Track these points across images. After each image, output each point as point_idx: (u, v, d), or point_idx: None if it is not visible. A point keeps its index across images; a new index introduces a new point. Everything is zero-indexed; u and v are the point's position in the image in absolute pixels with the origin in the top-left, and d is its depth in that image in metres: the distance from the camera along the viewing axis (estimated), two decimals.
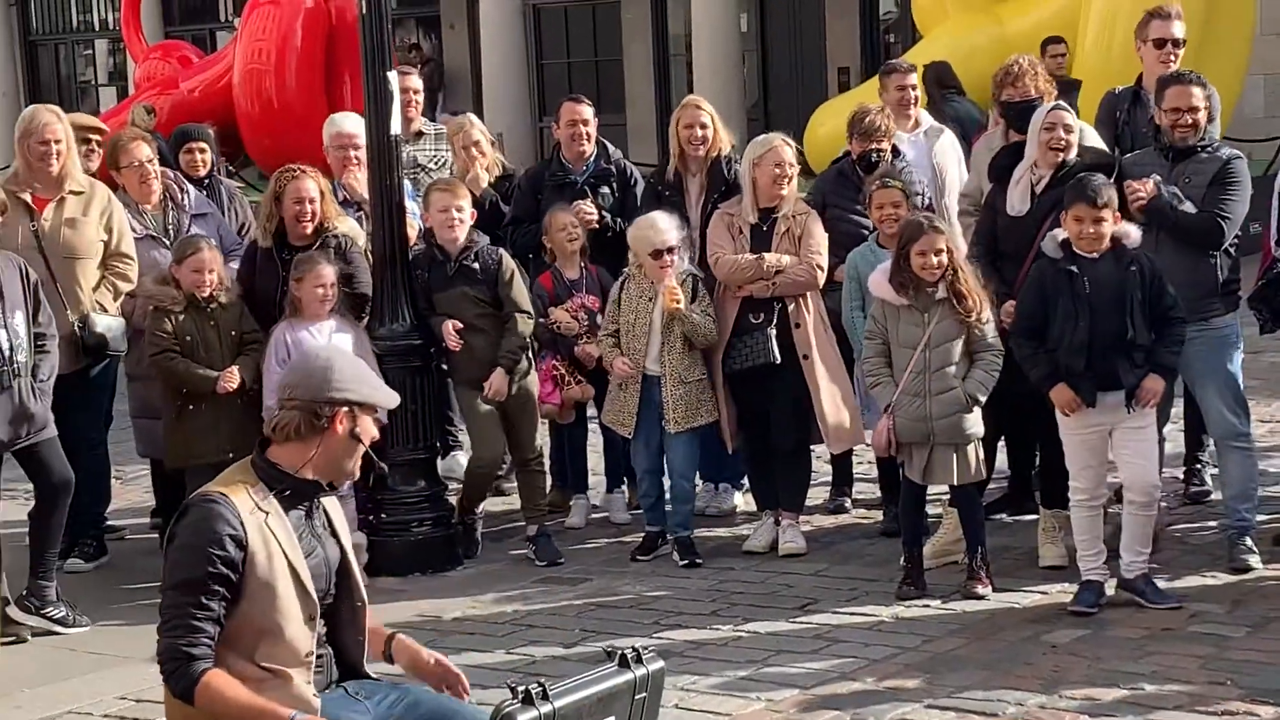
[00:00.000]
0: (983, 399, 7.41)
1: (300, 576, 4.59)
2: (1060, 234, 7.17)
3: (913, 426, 7.42)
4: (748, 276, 8.12)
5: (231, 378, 7.95)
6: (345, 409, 4.62)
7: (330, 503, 4.83)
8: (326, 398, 4.60)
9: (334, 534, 4.79)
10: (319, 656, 4.70)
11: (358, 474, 4.84)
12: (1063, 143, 7.67)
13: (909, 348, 7.44)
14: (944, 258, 7.35)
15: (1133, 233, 7.16)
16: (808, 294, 8.20)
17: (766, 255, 8.09)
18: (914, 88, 9.40)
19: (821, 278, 8.20)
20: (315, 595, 4.63)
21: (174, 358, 7.98)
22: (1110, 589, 7.17)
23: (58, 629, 7.48)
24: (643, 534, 8.35)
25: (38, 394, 7.34)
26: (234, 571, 4.49)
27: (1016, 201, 7.78)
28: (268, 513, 4.58)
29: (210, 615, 4.47)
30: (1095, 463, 7.26)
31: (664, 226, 8.08)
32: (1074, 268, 7.07)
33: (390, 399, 4.81)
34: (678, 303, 8.01)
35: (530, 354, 8.45)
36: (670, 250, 8.05)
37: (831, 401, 8.16)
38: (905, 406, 7.43)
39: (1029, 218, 7.71)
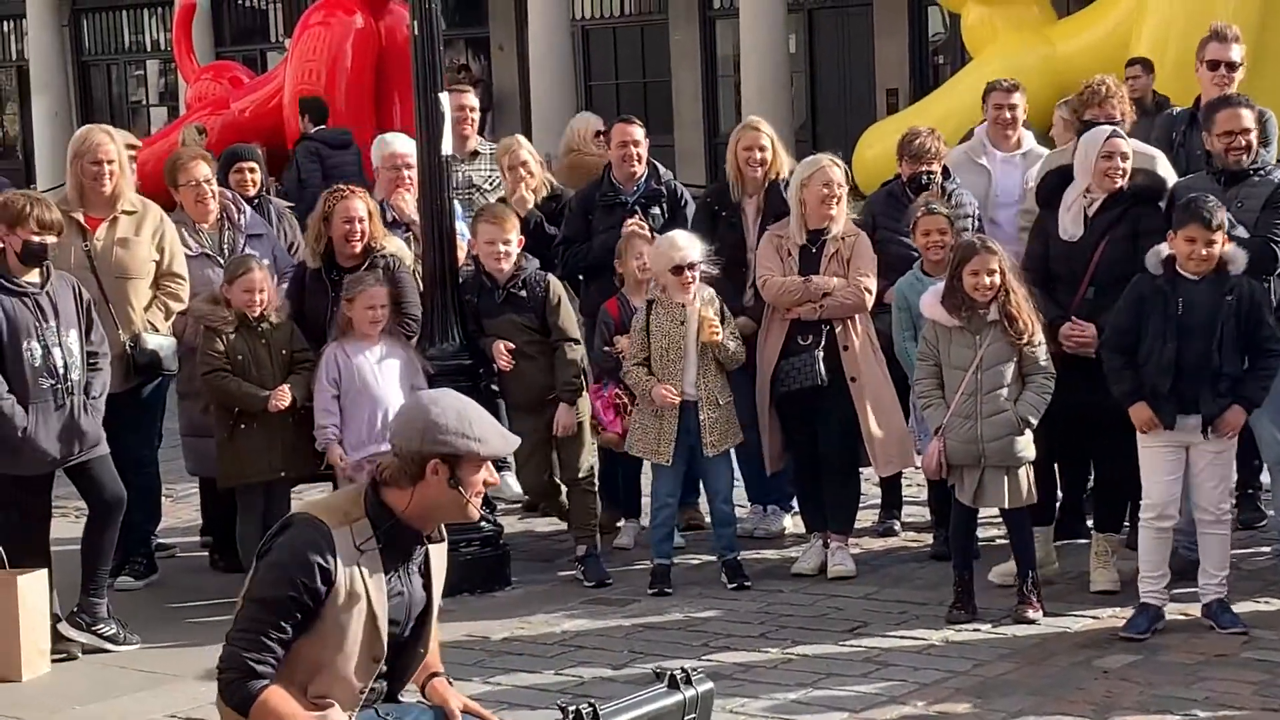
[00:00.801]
0: (1034, 421, 7.37)
1: (377, 622, 4.57)
2: (1164, 250, 7.12)
3: (963, 449, 7.39)
4: (795, 299, 8.11)
5: (283, 396, 7.98)
6: (438, 460, 4.55)
7: (436, 548, 4.79)
8: (417, 450, 4.55)
9: (426, 578, 4.74)
10: (371, 690, 4.69)
11: (475, 517, 4.78)
12: (1119, 171, 7.63)
13: (960, 369, 7.42)
14: (996, 278, 7.32)
15: (1239, 258, 7.09)
16: (856, 316, 8.18)
17: (814, 277, 8.08)
18: (1012, 108, 9.21)
19: (870, 300, 8.18)
20: (385, 640, 4.61)
21: (225, 377, 8.02)
22: (1168, 614, 7.14)
23: (108, 646, 7.51)
24: (699, 558, 8.28)
25: (90, 411, 7.39)
26: (315, 602, 4.47)
27: (1069, 225, 7.74)
28: (363, 552, 4.54)
29: (283, 637, 4.46)
30: (1169, 479, 7.19)
31: (683, 244, 8.07)
32: (1168, 288, 7.04)
33: (499, 448, 4.67)
34: (716, 333, 8.00)
35: (583, 378, 8.46)
36: (691, 266, 8.03)
37: (879, 424, 8.13)
38: (956, 429, 7.40)
39: (1083, 241, 7.67)
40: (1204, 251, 6.99)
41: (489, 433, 4.63)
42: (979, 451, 7.35)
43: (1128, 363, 7.15)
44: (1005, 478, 7.37)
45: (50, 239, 7.31)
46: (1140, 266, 7.24)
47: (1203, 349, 7.00)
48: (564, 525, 8.79)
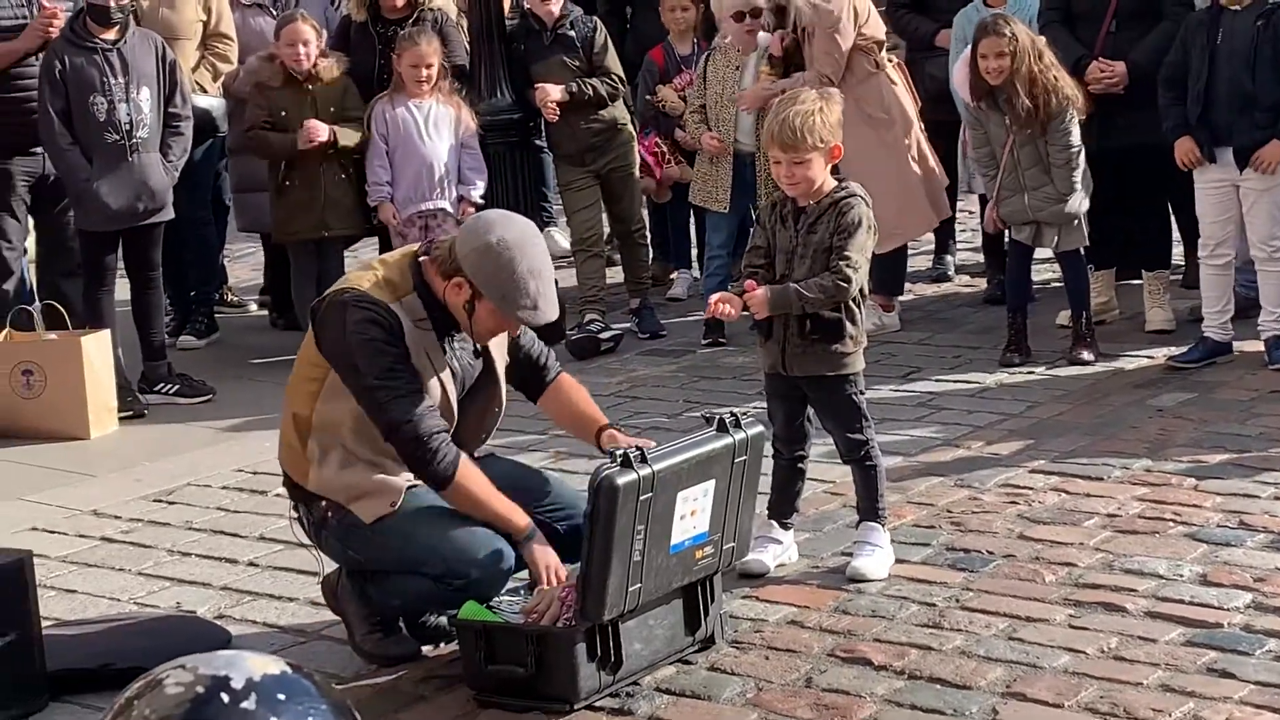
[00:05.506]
0: (1078, 190, 7.23)
1: (447, 392, 4.48)
2: None
3: (1016, 215, 7.33)
4: None
5: (316, 130, 7.80)
6: (464, 280, 4.37)
7: None
8: (455, 259, 4.37)
9: (484, 349, 4.64)
10: None
11: (471, 347, 4.61)
12: None
13: (1000, 146, 7.30)
14: (1005, 61, 7.03)
15: None
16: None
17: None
18: None
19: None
20: (455, 413, 4.52)
21: (260, 131, 7.97)
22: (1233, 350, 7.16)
23: (178, 400, 7.63)
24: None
25: (164, 170, 7.41)
26: (407, 357, 4.39)
27: None
28: (420, 330, 4.43)
29: (417, 390, 4.37)
30: (1220, 217, 7.12)
31: None
32: (1209, 19, 6.91)
33: (527, 317, 4.41)
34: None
35: (632, 126, 8.40)
36: (755, 14, 7.88)
37: (926, 177, 8.03)
38: (1006, 200, 7.32)
39: None
40: None
41: (537, 303, 4.37)
42: (1030, 218, 7.28)
43: (1175, 98, 7.04)
44: (1059, 228, 7.29)
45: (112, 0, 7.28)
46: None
47: (1236, 78, 6.88)
48: (618, 278, 8.79)
